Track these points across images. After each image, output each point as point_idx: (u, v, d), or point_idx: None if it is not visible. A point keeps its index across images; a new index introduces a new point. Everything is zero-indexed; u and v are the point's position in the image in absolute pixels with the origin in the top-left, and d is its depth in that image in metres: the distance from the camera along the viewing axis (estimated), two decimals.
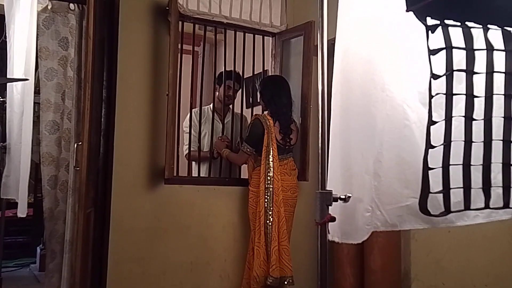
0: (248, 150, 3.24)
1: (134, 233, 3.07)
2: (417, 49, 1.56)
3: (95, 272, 2.90)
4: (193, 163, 3.54)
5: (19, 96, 3.14)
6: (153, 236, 3.12)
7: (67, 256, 2.97)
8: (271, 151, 3.15)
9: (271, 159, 3.14)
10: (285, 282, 3.04)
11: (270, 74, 3.72)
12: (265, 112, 3.32)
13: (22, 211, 3.08)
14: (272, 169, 3.13)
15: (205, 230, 3.28)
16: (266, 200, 3.09)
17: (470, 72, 1.58)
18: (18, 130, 3.12)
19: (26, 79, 2.93)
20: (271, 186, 3.10)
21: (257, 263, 3.04)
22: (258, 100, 3.47)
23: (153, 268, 3.11)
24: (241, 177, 3.58)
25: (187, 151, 3.51)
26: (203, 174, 3.50)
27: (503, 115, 1.66)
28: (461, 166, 1.61)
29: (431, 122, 1.53)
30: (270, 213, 3.07)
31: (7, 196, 3.39)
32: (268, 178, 3.12)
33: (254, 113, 3.50)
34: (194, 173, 3.49)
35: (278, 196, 3.12)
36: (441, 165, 1.57)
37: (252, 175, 3.27)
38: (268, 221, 3.06)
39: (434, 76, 1.52)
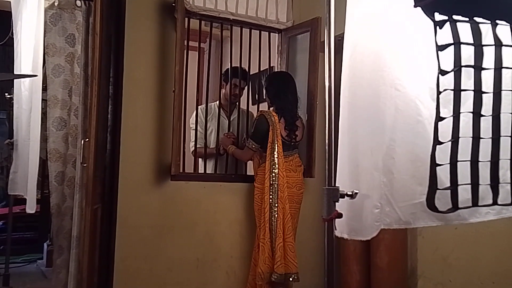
0: (254, 146, 3.23)
1: (141, 229, 3.08)
2: (427, 44, 1.55)
3: (102, 268, 2.91)
4: (200, 159, 3.55)
5: (27, 93, 3.15)
6: (159, 233, 3.13)
7: (74, 252, 2.98)
8: (276, 147, 3.15)
9: (276, 156, 3.14)
10: (290, 279, 3.03)
11: (282, 70, 3.70)
12: (271, 109, 3.31)
13: (31, 207, 3.10)
14: (277, 165, 3.12)
15: (211, 226, 3.28)
16: (271, 196, 3.08)
17: (478, 68, 1.57)
18: (26, 126, 3.13)
19: (35, 75, 2.94)
20: (276, 182, 3.10)
21: (262, 260, 3.04)
22: (264, 97, 3.46)
23: (159, 265, 3.12)
24: (247, 173, 3.58)
25: (193, 148, 3.52)
26: (209, 170, 3.50)
27: (511, 112, 1.65)
28: (469, 163, 1.60)
29: (439, 118, 1.52)
30: (275, 209, 3.06)
31: (15, 193, 3.41)
32: (273, 174, 3.11)
33: (260, 110, 3.50)
34: (201, 170, 3.50)
35: (283, 192, 3.11)
36: (449, 162, 1.56)
37: (257, 171, 3.27)
38: (273, 218, 3.06)
39: (442, 72, 1.51)
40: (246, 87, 3.72)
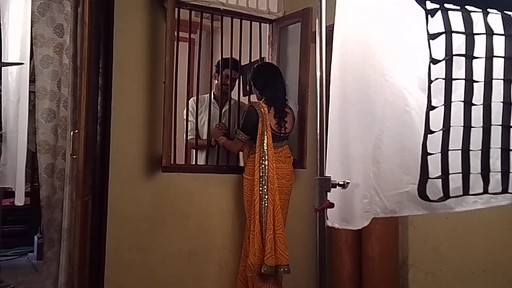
0: (243, 137, 3.22)
1: (132, 221, 3.06)
2: (417, 34, 1.55)
3: (93, 260, 2.89)
4: (194, 150, 3.54)
5: (14, 84, 3.11)
6: (151, 225, 3.12)
7: (65, 244, 2.95)
8: (266, 139, 3.14)
9: (265, 147, 3.13)
10: (281, 271, 3.04)
11: (267, 61, 3.69)
12: (262, 100, 3.30)
13: (19, 200, 3.09)
14: (267, 157, 3.12)
15: (203, 218, 3.28)
16: (261, 188, 3.07)
17: (469, 57, 1.57)
18: (14, 118, 3.10)
19: (21, 63, 2.90)
20: (266, 174, 3.09)
21: (252, 252, 3.03)
22: (253, 90, 3.44)
23: (152, 257, 3.10)
24: (239, 164, 3.57)
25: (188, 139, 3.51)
26: (201, 162, 3.49)
27: (502, 100, 1.66)
28: (460, 152, 1.60)
29: (430, 107, 1.52)
30: (265, 201, 3.06)
31: (4, 185, 3.38)
32: (263, 166, 3.10)
33: (249, 101, 3.48)
34: (193, 161, 3.48)
35: (273, 184, 3.10)
36: (440, 151, 1.56)
37: (246, 162, 3.26)
38: (263, 210, 3.05)
39: (434, 61, 1.51)
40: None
